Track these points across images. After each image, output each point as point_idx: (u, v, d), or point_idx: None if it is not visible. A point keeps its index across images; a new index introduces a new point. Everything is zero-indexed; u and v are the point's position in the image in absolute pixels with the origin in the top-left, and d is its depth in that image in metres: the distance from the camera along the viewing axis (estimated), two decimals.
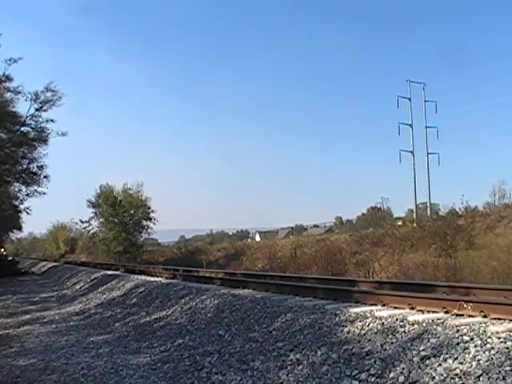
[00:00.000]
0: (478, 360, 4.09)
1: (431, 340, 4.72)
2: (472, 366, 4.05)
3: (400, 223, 30.67)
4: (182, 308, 9.76)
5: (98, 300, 14.71)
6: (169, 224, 63.61)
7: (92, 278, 20.54)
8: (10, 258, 44.23)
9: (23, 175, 29.16)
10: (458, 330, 4.78)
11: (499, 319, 5.18)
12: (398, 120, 33.47)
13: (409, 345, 4.80)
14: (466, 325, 4.96)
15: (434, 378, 4.11)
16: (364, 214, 45.23)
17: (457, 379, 3.96)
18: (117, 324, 10.65)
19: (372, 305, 6.82)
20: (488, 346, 4.27)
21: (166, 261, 39.14)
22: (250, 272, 20.39)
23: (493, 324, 4.95)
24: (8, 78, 24.30)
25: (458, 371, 4.04)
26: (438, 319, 5.39)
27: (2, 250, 48.29)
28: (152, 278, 15.49)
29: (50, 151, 28.58)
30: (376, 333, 5.41)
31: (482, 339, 4.41)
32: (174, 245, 53.11)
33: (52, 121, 26.76)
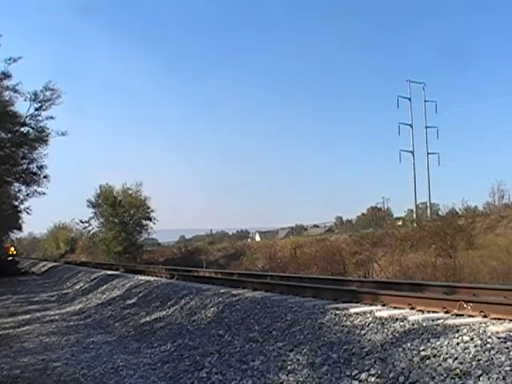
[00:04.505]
0: (478, 360, 4.09)
1: (431, 340, 4.72)
2: (472, 365, 4.05)
3: (400, 223, 30.68)
4: (182, 308, 9.76)
5: (98, 300, 14.70)
6: (169, 224, 63.76)
7: (92, 277, 20.54)
8: (10, 258, 44.21)
9: (23, 175, 29.11)
10: (458, 330, 4.78)
11: (499, 319, 5.17)
12: (397, 120, 33.60)
13: (409, 345, 4.80)
14: (465, 325, 4.96)
15: (434, 378, 4.10)
16: (364, 214, 45.21)
17: (457, 379, 3.96)
18: (117, 324, 10.65)
19: (372, 305, 6.82)
20: (488, 345, 4.26)
21: (166, 261, 39.13)
22: (250, 272, 20.38)
23: (493, 324, 4.95)
24: (6, 76, 24.26)
25: (457, 371, 4.04)
26: (438, 319, 5.40)
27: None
28: (152, 278, 15.49)
29: (49, 151, 28.53)
30: (376, 333, 5.41)
31: (481, 339, 4.40)
32: (174, 245, 53.13)
33: (52, 118, 26.74)
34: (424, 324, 5.23)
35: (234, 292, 9.58)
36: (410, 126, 33.61)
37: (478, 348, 4.27)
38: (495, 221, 21.49)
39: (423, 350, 4.59)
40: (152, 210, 41.66)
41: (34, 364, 7.23)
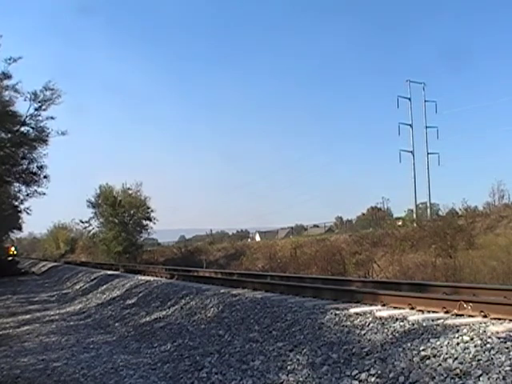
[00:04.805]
0: (478, 360, 4.09)
1: (431, 340, 4.72)
2: (472, 365, 4.05)
3: (400, 223, 30.68)
4: (182, 308, 9.76)
5: (98, 300, 14.70)
6: (169, 224, 63.80)
7: (92, 277, 20.54)
8: (10, 258, 44.21)
9: (23, 175, 29.09)
10: (458, 330, 4.78)
11: (499, 319, 5.17)
12: (397, 120, 33.61)
13: (409, 345, 4.80)
14: (465, 325, 4.96)
15: (434, 377, 4.10)
16: (364, 214, 45.18)
17: (457, 379, 3.96)
18: (117, 324, 10.65)
19: (372, 305, 6.82)
20: (488, 345, 4.26)
21: (166, 261, 39.14)
22: (250, 272, 20.39)
23: (493, 324, 4.95)
24: (6, 76, 24.27)
25: (457, 371, 4.04)
26: (438, 319, 5.40)
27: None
28: (152, 278, 15.49)
29: (49, 151, 28.52)
30: (376, 333, 5.41)
31: (481, 339, 4.40)
32: (174, 245, 53.13)
33: (52, 118, 26.74)
34: (424, 324, 5.22)
35: (234, 292, 9.58)
36: (410, 126, 33.64)
37: (478, 348, 4.27)
38: (495, 221, 21.49)
39: (423, 350, 4.59)
40: (152, 210, 41.74)
41: (34, 364, 7.23)
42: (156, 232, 45.80)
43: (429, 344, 4.65)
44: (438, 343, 4.60)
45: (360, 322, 5.87)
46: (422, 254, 20.21)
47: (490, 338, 4.41)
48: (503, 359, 3.98)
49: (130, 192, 41.96)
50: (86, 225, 44.01)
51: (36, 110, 26.34)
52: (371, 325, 5.66)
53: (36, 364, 7.22)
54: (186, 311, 9.42)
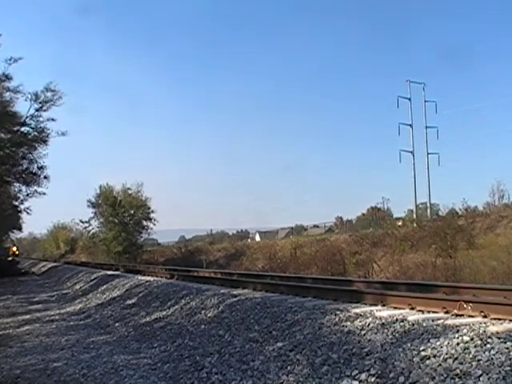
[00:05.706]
0: (478, 360, 4.09)
1: (431, 340, 4.72)
2: (472, 365, 4.05)
3: (400, 223, 30.66)
4: (182, 308, 9.76)
5: (98, 300, 14.70)
6: (169, 224, 63.86)
7: (92, 278, 20.53)
8: (10, 259, 44.20)
9: (23, 175, 29.09)
10: (458, 330, 4.78)
11: (499, 319, 5.18)
12: (397, 120, 33.59)
13: (409, 345, 4.80)
14: (466, 325, 4.96)
15: (434, 378, 4.10)
16: (364, 214, 45.18)
17: (457, 379, 3.96)
18: (117, 324, 10.64)
19: (372, 305, 6.82)
20: (488, 346, 4.26)
21: (166, 261, 39.12)
22: (250, 272, 20.39)
23: (493, 324, 4.95)
24: (7, 78, 24.28)
25: (458, 371, 4.04)
26: (438, 319, 5.40)
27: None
28: (152, 278, 15.50)
29: (50, 151, 28.51)
30: (376, 333, 5.41)
31: (481, 339, 4.41)
32: (174, 245, 53.12)
33: (53, 120, 26.75)
34: (424, 324, 5.23)
35: (234, 292, 9.58)
36: (410, 126, 33.62)
37: (478, 348, 4.27)
38: (495, 221, 21.49)
39: (423, 350, 4.59)
40: (152, 211, 41.73)
41: (34, 364, 7.22)
42: (156, 232, 45.83)
43: (429, 344, 4.65)
44: (438, 343, 4.60)
45: (360, 322, 5.87)
46: (422, 254, 20.21)
47: (490, 338, 4.41)
48: (503, 359, 3.98)
49: (130, 192, 41.98)
50: (86, 225, 44.10)
51: (37, 110, 26.38)
52: (371, 325, 5.66)
53: (36, 364, 7.22)
54: (186, 311, 9.43)
